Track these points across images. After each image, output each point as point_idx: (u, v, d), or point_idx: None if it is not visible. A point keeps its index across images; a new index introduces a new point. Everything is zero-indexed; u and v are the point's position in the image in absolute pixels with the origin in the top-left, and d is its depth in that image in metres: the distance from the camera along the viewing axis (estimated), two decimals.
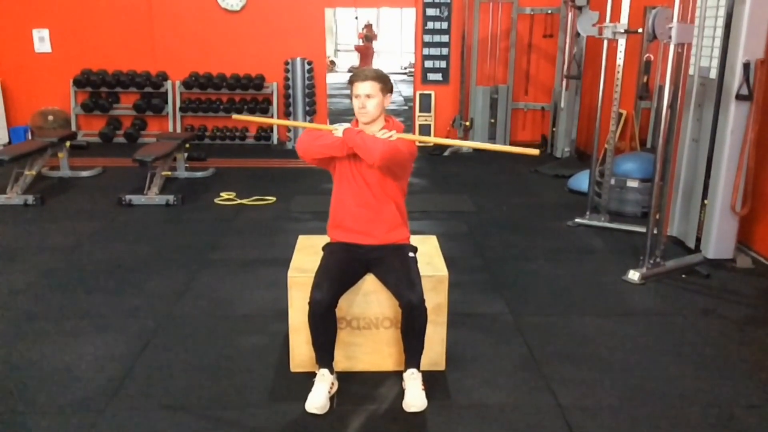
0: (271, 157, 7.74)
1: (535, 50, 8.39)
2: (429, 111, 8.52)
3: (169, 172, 6.21)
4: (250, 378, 2.94)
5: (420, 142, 2.83)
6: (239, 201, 5.82)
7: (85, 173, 6.73)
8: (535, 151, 2.64)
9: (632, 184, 5.40)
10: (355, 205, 2.87)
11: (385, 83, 2.79)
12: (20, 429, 2.57)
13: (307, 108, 8.25)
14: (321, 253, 2.93)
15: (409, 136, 2.80)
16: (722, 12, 4.19)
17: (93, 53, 8.38)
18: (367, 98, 2.75)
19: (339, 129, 2.79)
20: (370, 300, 2.91)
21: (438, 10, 8.34)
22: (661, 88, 4.03)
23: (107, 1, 8.24)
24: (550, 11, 8.02)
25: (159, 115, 8.53)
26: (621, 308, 3.74)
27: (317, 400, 2.65)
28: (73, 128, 8.36)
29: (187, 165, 6.75)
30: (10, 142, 8.25)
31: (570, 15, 7.26)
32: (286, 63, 8.17)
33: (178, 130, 8.46)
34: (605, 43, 5.10)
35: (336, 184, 2.93)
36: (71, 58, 8.36)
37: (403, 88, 12.89)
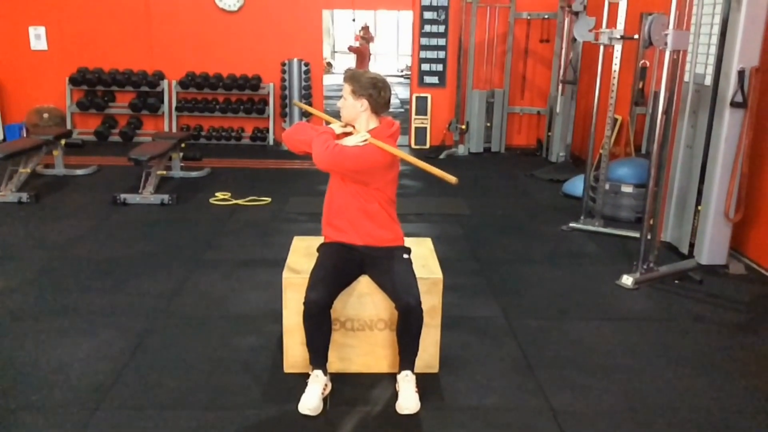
0: (266, 158, 7.73)
1: (532, 55, 8.41)
2: (425, 114, 8.54)
3: (164, 172, 6.20)
4: (244, 378, 2.93)
5: (403, 157, 2.81)
6: (234, 201, 5.82)
7: (80, 171, 6.71)
8: (453, 179, 2.56)
9: (626, 189, 5.42)
10: (342, 202, 2.89)
11: (358, 87, 2.78)
12: (13, 427, 2.56)
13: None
14: (316, 255, 2.94)
15: (380, 144, 2.75)
16: (718, 19, 4.22)
17: (89, 51, 8.36)
18: (342, 98, 2.84)
19: (335, 126, 2.89)
20: (364, 301, 2.91)
21: (435, 13, 8.36)
22: (657, 95, 4.04)
23: None
24: (546, 16, 8.04)
25: (155, 114, 8.51)
26: (614, 313, 3.75)
27: (310, 402, 2.65)
28: (69, 126, 8.35)
29: (182, 164, 6.73)
30: (4, 140, 8.22)
31: (566, 20, 7.29)
32: (283, 64, 8.17)
33: (174, 130, 8.46)
34: (601, 48, 5.13)
35: (329, 182, 2.96)
36: (67, 56, 8.34)
37: (400, 91, 12.89)
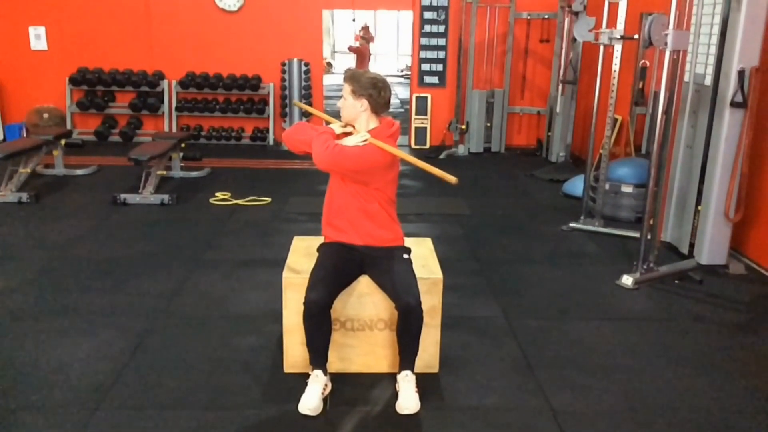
0: (266, 158, 7.73)
1: (532, 55, 8.42)
2: (425, 114, 8.54)
3: (164, 172, 6.20)
4: (244, 378, 2.93)
5: (402, 156, 2.81)
6: (234, 201, 5.82)
7: (79, 171, 6.71)
8: (453, 179, 2.56)
9: (626, 189, 5.42)
10: (342, 202, 2.89)
11: (357, 87, 2.78)
12: (13, 427, 2.56)
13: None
14: (316, 255, 2.94)
15: (380, 144, 2.74)
16: (718, 20, 4.22)
17: (89, 51, 8.36)
18: (342, 98, 2.84)
19: (335, 126, 2.89)
20: (364, 301, 2.91)
21: (435, 13, 8.37)
22: (657, 95, 4.04)
23: None
24: (546, 16, 8.04)
25: (155, 114, 8.52)
26: (614, 313, 3.75)
27: (310, 402, 2.65)
28: (69, 126, 8.35)
29: (182, 164, 6.73)
30: (4, 140, 8.22)
31: (567, 20, 7.29)
32: (283, 64, 8.17)
33: (174, 130, 8.46)
34: (601, 48, 5.13)
35: (329, 182, 2.96)
36: (67, 56, 8.34)
37: (400, 91, 12.90)
